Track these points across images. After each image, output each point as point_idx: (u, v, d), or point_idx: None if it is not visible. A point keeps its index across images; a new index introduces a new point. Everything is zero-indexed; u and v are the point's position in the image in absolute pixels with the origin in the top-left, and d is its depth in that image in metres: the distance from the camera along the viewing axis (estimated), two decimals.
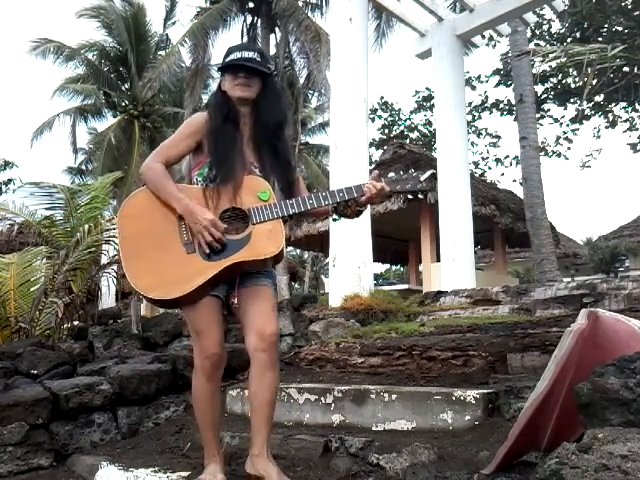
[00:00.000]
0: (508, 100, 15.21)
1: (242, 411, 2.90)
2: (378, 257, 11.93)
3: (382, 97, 19.46)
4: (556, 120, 14.10)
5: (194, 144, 1.96)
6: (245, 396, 2.85)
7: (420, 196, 1.98)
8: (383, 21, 12.59)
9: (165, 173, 1.90)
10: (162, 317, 4.95)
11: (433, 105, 12.53)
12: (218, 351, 1.90)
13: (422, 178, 1.98)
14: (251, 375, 1.85)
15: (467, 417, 2.22)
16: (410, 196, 8.56)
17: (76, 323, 4.62)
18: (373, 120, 19.02)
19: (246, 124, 2.00)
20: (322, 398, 2.63)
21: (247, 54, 1.96)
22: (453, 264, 6.38)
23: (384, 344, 3.22)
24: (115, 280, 5.22)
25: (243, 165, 1.91)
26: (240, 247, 1.80)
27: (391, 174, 2.02)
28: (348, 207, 1.96)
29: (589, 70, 4.78)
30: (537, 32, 12.63)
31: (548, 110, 13.98)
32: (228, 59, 1.97)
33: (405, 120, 19.58)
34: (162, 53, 17.22)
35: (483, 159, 18.17)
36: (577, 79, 11.63)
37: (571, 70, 11.07)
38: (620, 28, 9.07)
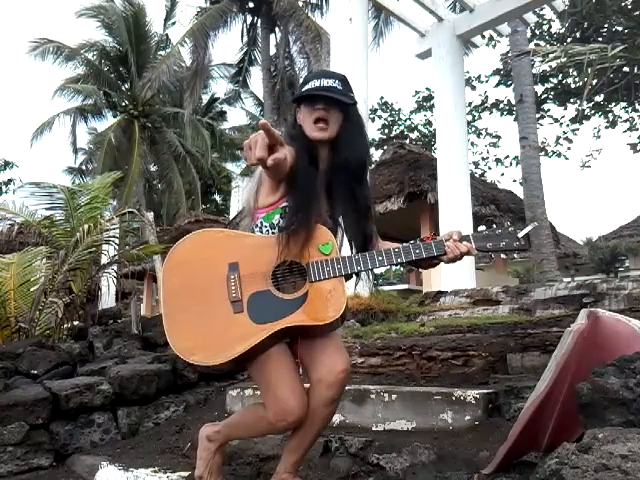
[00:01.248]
0: (508, 100, 15.22)
1: None
2: None
3: (382, 97, 19.48)
4: (556, 120, 14.10)
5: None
6: (245, 396, 2.85)
7: (515, 254, 1.71)
8: (381, 20, 12.62)
9: None
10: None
11: (433, 105, 12.55)
12: (301, 413, 1.58)
13: (520, 235, 1.69)
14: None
15: (467, 417, 2.22)
16: (411, 187, 8.47)
17: (76, 323, 4.62)
18: (373, 120, 19.04)
19: (323, 164, 1.72)
20: None
21: (326, 82, 1.69)
22: (453, 264, 6.37)
23: (384, 344, 3.22)
24: (115, 280, 5.22)
25: (319, 214, 1.66)
26: (295, 308, 1.57)
27: (481, 227, 1.76)
28: (423, 260, 1.70)
29: (589, 70, 4.78)
30: (537, 32, 12.63)
31: (548, 110, 13.98)
32: (305, 88, 1.70)
33: (405, 120, 19.59)
34: (162, 53, 17.25)
35: (483, 159, 18.19)
36: (577, 79, 11.64)
37: (571, 70, 11.08)
38: (620, 28, 9.07)
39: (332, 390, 1.57)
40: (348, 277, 1.68)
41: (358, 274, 1.68)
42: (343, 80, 1.74)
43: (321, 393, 1.58)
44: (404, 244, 1.68)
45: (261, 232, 1.70)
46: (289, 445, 1.68)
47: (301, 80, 1.79)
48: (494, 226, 1.78)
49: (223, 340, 1.57)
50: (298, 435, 1.65)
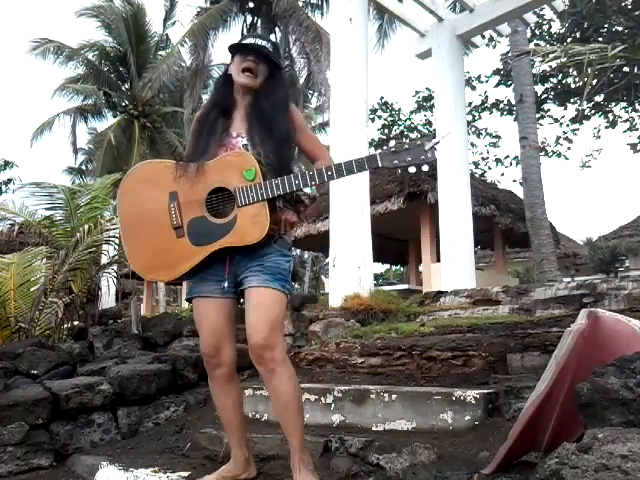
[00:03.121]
0: (508, 100, 15.19)
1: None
2: (378, 257, 11.92)
3: (382, 97, 19.44)
4: (556, 120, 14.08)
5: None
6: (245, 396, 2.85)
7: (424, 169, 1.55)
8: (385, 21, 12.60)
9: None
10: (162, 317, 4.96)
11: (433, 105, 12.53)
12: (207, 351, 1.93)
13: (427, 147, 1.70)
14: None
15: (467, 417, 2.22)
16: (411, 187, 8.44)
17: (76, 323, 4.62)
18: (373, 120, 19.00)
19: (242, 108, 1.98)
20: (322, 398, 2.63)
21: (260, 41, 1.94)
22: (453, 264, 6.37)
23: (384, 344, 3.22)
24: (115, 280, 5.22)
25: (221, 140, 1.92)
26: (226, 232, 1.80)
27: (391, 142, 1.76)
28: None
29: (589, 70, 4.78)
30: (537, 32, 12.61)
31: (548, 110, 13.96)
32: (242, 42, 1.96)
33: (405, 120, 19.57)
34: (162, 53, 17.24)
35: (483, 159, 18.15)
36: (577, 79, 11.63)
37: (571, 70, 11.06)
38: (620, 28, 9.07)
39: (252, 354, 1.81)
40: (273, 199, 1.81)
41: (286, 199, 1.85)
42: (275, 45, 2.02)
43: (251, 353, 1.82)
44: (321, 168, 1.78)
45: None
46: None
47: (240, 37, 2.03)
48: (404, 141, 1.77)
49: (170, 261, 1.88)
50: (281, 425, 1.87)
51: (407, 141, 1.76)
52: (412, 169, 1.73)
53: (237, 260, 1.88)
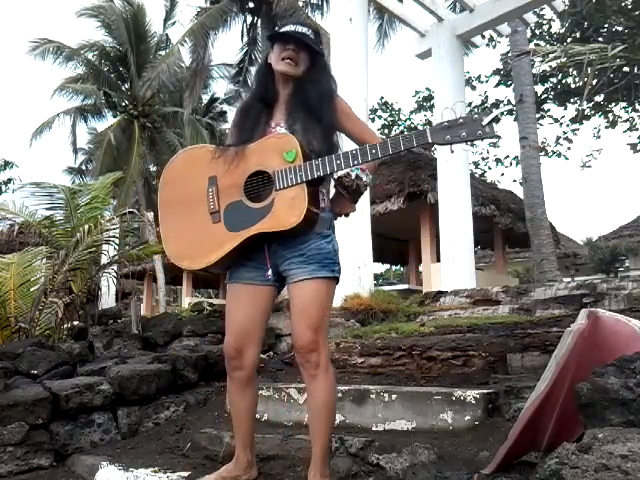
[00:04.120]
0: (508, 100, 15.19)
1: None
2: (378, 257, 11.93)
3: (382, 97, 19.46)
4: (556, 120, 14.08)
5: None
6: None
7: (473, 145, 1.44)
8: (385, 21, 12.59)
9: None
10: (162, 317, 4.96)
11: (433, 105, 12.54)
12: (229, 352, 1.86)
13: (485, 121, 1.54)
14: None
15: (467, 417, 2.22)
16: (411, 187, 8.39)
17: (76, 323, 4.62)
18: (373, 120, 19.02)
19: (283, 100, 1.90)
20: None
21: (301, 29, 1.85)
22: (453, 264, 6.38)
23: (384, 344, 3.22)
24: (115, 280, 5.22)
25: (261, 133, 1.83)
26: (262, 216, 1.70)
27: (446, 116, 1.58)
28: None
29: (589, 70, 4.78)
30: (537, 32, 12.62)
31: (548, 110, 13.97)
32: (281, 30, 1.88)
33: (405, 120, 19.57)
34: (162, 53, 17.22)
35: (483, 159, 18.16)
36: (577, 79, 11.63)
37: (571, 70, 11.07)
38: (620, 28, 9.06)
39: (298, 354, 1.76)
40: (314, 182, 1.72)
41: (322, 180, 1.75)
42: (316, 31, 1.92)
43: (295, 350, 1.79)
44: (365, 146, 1.68)
45: None
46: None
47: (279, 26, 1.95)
48: (458, 115, 1.59)
49: (205, 247, 1.79)
50: (310, 428, 1.82)
51: (460, 115, 1.59)
52: (466, 146, 1.61)
53: (274, 249, 1.79)
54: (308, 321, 1.72)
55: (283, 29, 1.87)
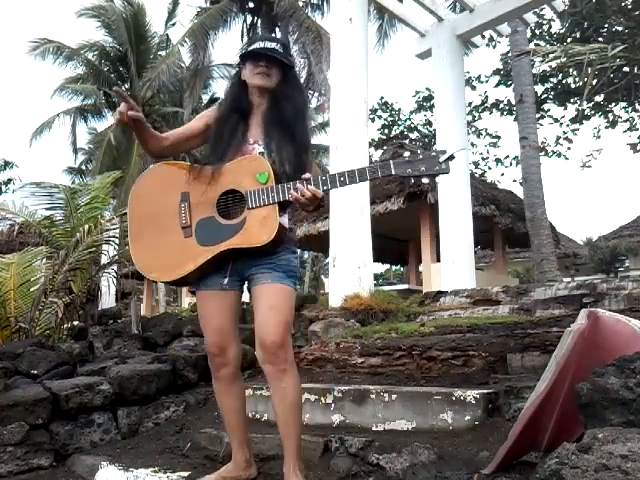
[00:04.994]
0: (508, 100, 15.19)
1: None
2: (378, 257, 11.92)
3: (382, 97, 19.44)
4: (556, 120, 14.08)
5: (202, 126, 1.99)
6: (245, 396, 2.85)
7: (432, 179, 1.59)
8: (385, 21, 12.59)
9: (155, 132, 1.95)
10: (162, 317, 4.96)
11: (433, 105, 12.53)
12: (212, 350, 1.94)
13: (442, 159, 1.69)
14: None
15: (467, 417, 2.22)
16: (412, 187, 8.42)
17: (76, 323, 4.62)
18: (373, 120, 19.01)
19: (259, 114, 1.97)
20: (322, 398, 2.63)
21: (270, 44, 1.93)
22: (453, 264, 6.37)
23: (384, 344, 3.22)
24: (115, 280, 5.22)
25: (238, 148, 1.90)
26: (234, 233, 1.80)
27: (406, 153, 1.76)
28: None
29: (589, 70, 4.77)
30: (537, 32, 12.61)
31: (548, 110, 13.96)
32: (250, 48, 1.95)
33: (405, 120, 19.56)
34: (162, 53, 17.22)
35: (483, 159, 18.15)
36: (577, 79, 11.63)
37: (571, 70, 11.06)
38: (620, 28, 9.06)
39: (266, 353, 1.80)
40: (284, 204, 1.83)
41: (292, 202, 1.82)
42: (284, 44, 1.99)
43: (258, 352, 1.84)
44: (335, 174, 1.81)
45: None
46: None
47: (246, 42, 2.05)
48: (418, 152, 1.78)
49: (175, 260, 1.85)
50: (278, 427, 1.86)
51: (420, 151, 1.77)
52: (425, 179, 1.74)
53: (243, 259, 1.87)
54: (278, 317, 1.80)
55: (252, 46, 1.95)
